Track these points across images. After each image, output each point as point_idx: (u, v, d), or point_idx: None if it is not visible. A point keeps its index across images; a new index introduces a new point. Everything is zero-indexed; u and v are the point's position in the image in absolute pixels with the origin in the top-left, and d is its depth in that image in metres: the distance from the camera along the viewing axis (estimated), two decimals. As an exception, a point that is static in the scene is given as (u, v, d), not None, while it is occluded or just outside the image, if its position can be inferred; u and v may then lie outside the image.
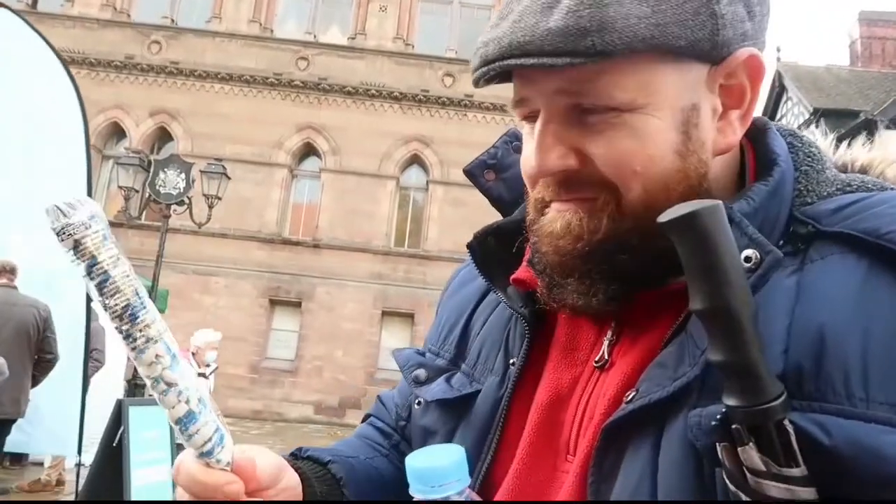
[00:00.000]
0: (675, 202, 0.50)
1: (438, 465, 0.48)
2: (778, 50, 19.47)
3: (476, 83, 0.57)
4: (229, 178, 10.25)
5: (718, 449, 0.45)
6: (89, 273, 0.48)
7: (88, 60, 18.29)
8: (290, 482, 0.62)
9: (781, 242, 0.54)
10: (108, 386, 6.84)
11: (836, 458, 0.42)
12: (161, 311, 6.56)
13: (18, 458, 7.02)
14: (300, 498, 0.63)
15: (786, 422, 0.43)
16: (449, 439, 0.67)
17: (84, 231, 0.48)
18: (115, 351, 7.14)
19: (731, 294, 0.44)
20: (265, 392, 16.58)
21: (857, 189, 0.57)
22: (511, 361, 0.66)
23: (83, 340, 5.60)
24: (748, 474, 0.43)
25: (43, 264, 5.51)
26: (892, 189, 0.57)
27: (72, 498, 5.49)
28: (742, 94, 0.57)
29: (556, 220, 0.58)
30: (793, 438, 0.43)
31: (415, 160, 18.29)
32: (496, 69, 0.54)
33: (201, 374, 5.77)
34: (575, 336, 0.64)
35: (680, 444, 0.49)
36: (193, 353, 5.92)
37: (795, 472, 0.43)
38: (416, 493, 0.48)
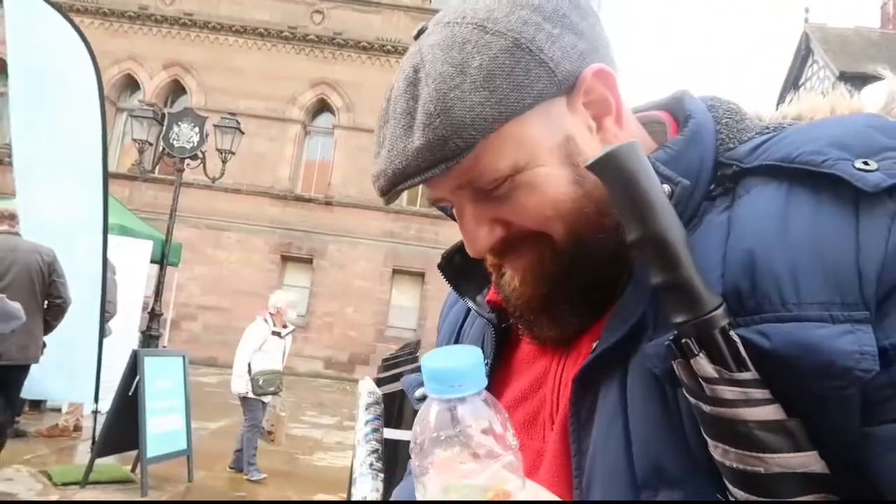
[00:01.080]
0: (595, 220, 0.59)
1: (455, 365, 0.48)
2: (806, 11, 18.93)
3: (385, 204, 0.65)
4: (243, 133, 10.20)
5: (675, 367, 0.49)
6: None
7: (102, 10, 18.12)
8: None
9: (712, 187, 0.59)
10: (123, 337, 6.97)
11: (779, 358, 0.46)
12: (174, 264, 6.67)
13: (37, 405, 7.21)
14: None
15: (731, 333, 0.48)
16: None
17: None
18: (130, 302, 7.25)
19: (658, 218, 0.50)
20: (277, 346, 16.84)
21: (773, 131, 0.62)
22: (486, 362, 0.69)
23: (100, 292, 5.68)
24: (704, 384, 0.48)
25: (62, 218, 5.58)
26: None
27: (88, 443, 5.65)
28: (606, 102, 0.62)
29: (513, 277, 0.65)
30: (740, 347, 0.47)
31: (429, 118, 18.12)
32: (394, 195, 0.60)
33: (276, 334, 5.88)
34: None
35: (642, 377, 0.53)
36: (272, 314, 5.96)
37: (746, 375, 0.47)
38: (431, 392, 0.48)
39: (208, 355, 16.30)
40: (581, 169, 0.59)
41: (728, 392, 0.47)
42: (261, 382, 5.60)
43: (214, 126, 9.71)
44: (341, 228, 17.62)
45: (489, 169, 0.58)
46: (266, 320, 5.92)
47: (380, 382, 8.15)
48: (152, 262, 8.56)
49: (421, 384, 0.77)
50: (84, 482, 4.94)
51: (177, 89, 18.48)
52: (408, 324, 17.43)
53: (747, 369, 0.47)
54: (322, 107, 18.50)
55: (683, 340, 0.48)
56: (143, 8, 18.15)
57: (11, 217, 4.56)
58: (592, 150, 0.59)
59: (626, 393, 0.54)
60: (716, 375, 0.47)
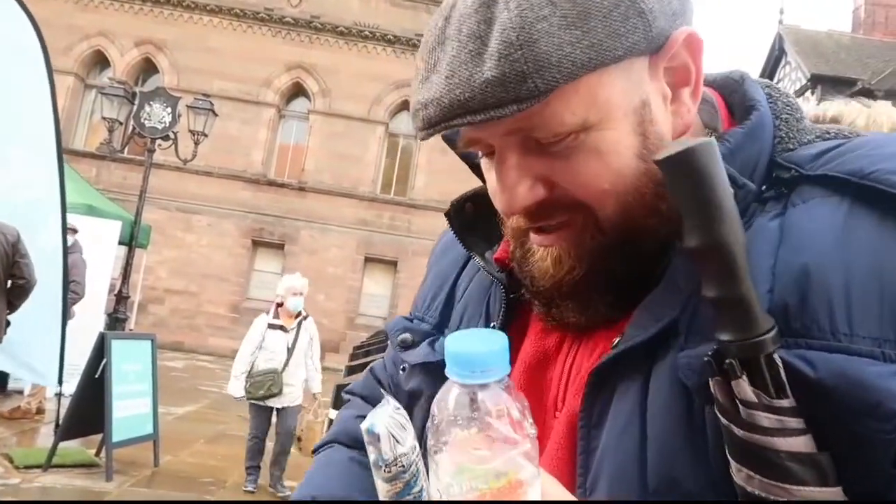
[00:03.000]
0: (651, 203, 0.53)
1: (481, 351, 0.46)
2: (781, 13, 19.21)
3: (421, 139, 0.56)
4: (216, 115, 10.04)
5: (711, 384, 0.46)
6: (390, 469, 0.52)
7: (72, -17, 17.63)
8: None
9: (764, 187, 0.54)
10: (88, 319, 6.84)
11: (822, 389, 0.44)
12: (143, 246, 6.52)
13: (2, 387, 7.06)
14: None
15: (775, 356, 0.45)
16: (432, 402, 0.68)
17: (411, 457, 0.53)
18: (96, 283, 7.12)
19: (726, 229, 0.46)
20: (245, 332, 16.67)
21: (836, 136, 0.58)
22: (491, 325, 0.66)
23: (61, 272, 5.57)
24: (740, 407, 0.45)
25: (21, 195, 5.43)
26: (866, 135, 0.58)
27: (51, 426, 5.55)
28: (687, 72, 0.56)
29: (544, 258, 0.58)
30: (782, 371, 0.44)
31: (406, 106, 18.02)
32: (442, 129, 0.52)
33: (278, 327, 5.10)
34: None
35: (669, 385, 0.50)
36: (278, 305, 5.18)
37: (784, 403, 0.44)
38: (453, 375, 0.47)
39: (175, 339, 16.08)
40: (650, 141, 0.54)
41: (765, 419, 0.44)
42: (248, 386, 4.97)
43: (187, 107, 9.55)
44: (314, 214, 17.49)
45: (555, 120, 0.51)
46: (267, 312, 5.29)
47: (351, 370, 7.97)
48: (120, 243, 8.41)
49: (404, 329, 0.76)
50: (47, 465, 4.86)
51: (148, 68, 18.09)
52: (379, 312, 17.39)
53: (786, 396, 0.44)
54: (297, 91, 18.28)
55: (728, 360, 0.45)
56: (114, -17, 17.71)
57: None
58: (664, 122, 0.55)
59: (647, 396, 0.51)
60: (755, 400, 0.44)
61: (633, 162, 0.54)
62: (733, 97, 0.62)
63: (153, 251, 13.41)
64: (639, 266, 0.56)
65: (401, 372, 0.75)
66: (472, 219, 0.71)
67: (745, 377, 0.45)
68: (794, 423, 0.44)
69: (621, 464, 0.51)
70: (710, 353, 0.46)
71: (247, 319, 16.73)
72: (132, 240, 8.24)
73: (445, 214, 0.72)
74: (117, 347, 5.21)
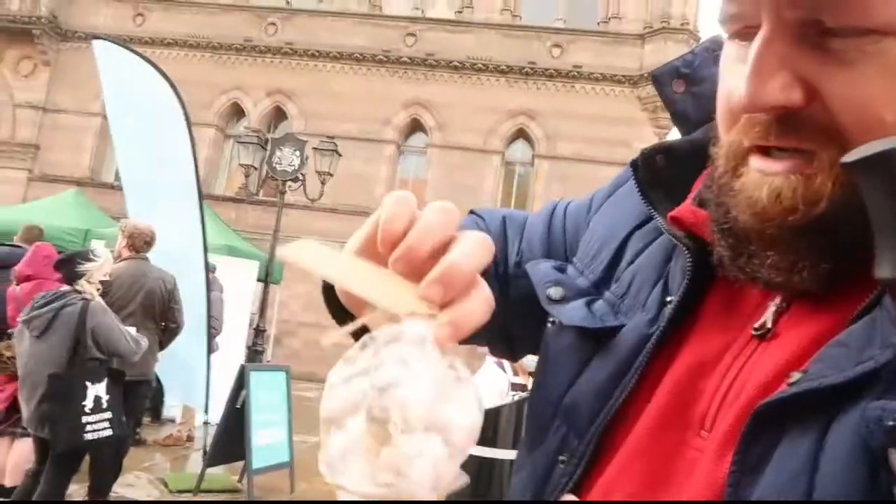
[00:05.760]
0: None
1: None
2: None
3: None
4: (340, 155, 10.57)
5: (892, 455, 0.35)
6: None
7: (211, 44, 19.33)
8: None
9: None
10: (230, 352, 7.32)
11: None
12: (276, 282, 6.86)
13: (157, 416, 7.69)
14: None
15: None
16: (581, 369, 0.60)
17: None
18: (237, 318, 7.62)
19: None
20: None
21: None
22: (668, 299, 0.56)
23: (205, 309, 6.00)
24: None
25: (171, 243, 5.96)
26: None
27: (199, 452, 5.95)
28: None
29: (760, 186, 0.45)
30: None
31: (520, 134, 18.07)
32: None
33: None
34: (735, 295, 0.53)
35: (851, 443, 0.38)
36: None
37: None
38: None
39: (308, 370, 16.82)
40: None
41: None
42: None
43: (314, 149, 10.12)
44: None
45: (860, 5, 0.40)
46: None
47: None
48: (258, 280, 8.97)
49: (556, 282, 0.65)
50: (196, 490, 5.21)
51: (279, 115, 19.38)
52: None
53: None
54: (415, 126, 18.86)
55: None
56: (247, 40, 19.23)
57: (147, 244, 4.90)
58: None
59: (821, 456, 0.40)
60: None
61: None
62: None
63: (286, 287, 14.16)
64: (865, 246, 0.41)
65: (549, 325, 0.66)
66: (660, 174, 0.60)
67: None
68: None
69: None
70: None
71: (373, 350, 17.25)
72: (267, 276, 8.76)
73: (631, 163, 0.62)
74: (255, 378, 5.52)
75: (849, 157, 0.35)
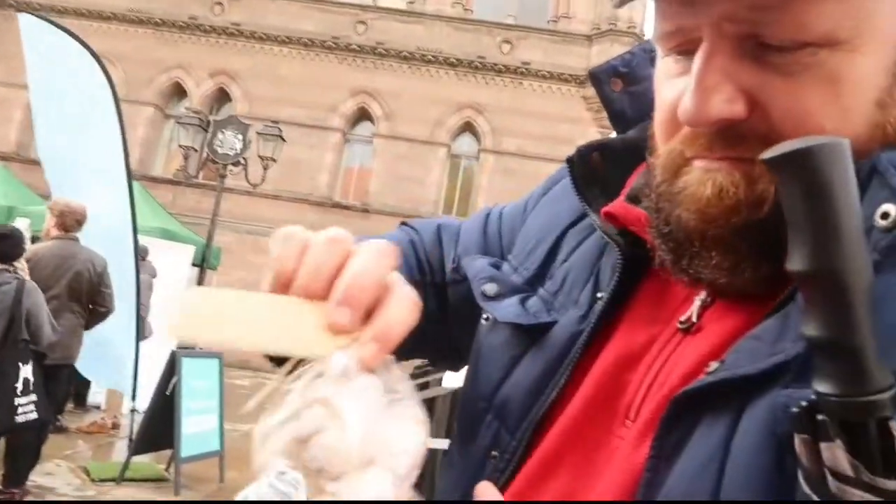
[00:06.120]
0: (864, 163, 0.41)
1: None
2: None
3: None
4: (284, 141, 10.37)
5: (797, 441, 0.36)
6: None
7: (153, 20, 18.64)
8: None
9: None
10: (161, 337, 7.10)
11: None
12: (213, 268, 6.74)
13: (81, 402, 7.40)
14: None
15: (893, 424, 0.34)
16: (514, 365, 0.60)
17: None
18: (170, 304, 7.39)
19: (841, 255, 0.34)
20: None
21: None
22: (599, 295, 0.57)
23: (134, 293, 5.80)
24: (829, 477, 0.35)
25: (101, 224, 5.74)
26: None
27: (125, 440, 5.76)
28: None
29: (704, 181, 0.46)
30: None
31: (467, 128, 18.15)
32: None
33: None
34: (662, 290, 0.54)
35: (761, 430, 0.40)
36: None
37: (892, 484, 0.33)
38: None
39: (242, 358, 16.50)
40: None
41: (858, 498, 0.34)
42: None
43: (257, 133, 9.91)
44: (378, 235, 17.72)
45: (797, 19, 0.41)
46: None
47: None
48: (193, 265, 8.73)
49: (490, 278, 0.66)
50: (120, 479, 5.05)
51: (222, 97, 18.88)
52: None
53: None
54: (362, 115, 18.69)
55: (820, 417, 0.35)
56: (192, 18, 18.62)
57: (78, 223, 4.70)
58: None
59: (732, 441, 0.41)
60: (850, 473, 0.34)
61: (869, 107, 0.43)
62: None
63: (223, 272, 13.83)
64: None
65: (483, 321, 0.65)
66: (595, 172, 0.61)
67: (840, 442, 0.34)
68: None
69: None
70: (806, 401, 0.35)
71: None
72: (204, 262, 8.54)
73: (567, 160, 0.62)
74: (188, 365, 5.38)
75: (768, 154, 0.36)
